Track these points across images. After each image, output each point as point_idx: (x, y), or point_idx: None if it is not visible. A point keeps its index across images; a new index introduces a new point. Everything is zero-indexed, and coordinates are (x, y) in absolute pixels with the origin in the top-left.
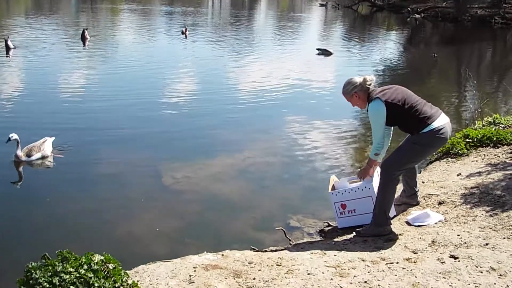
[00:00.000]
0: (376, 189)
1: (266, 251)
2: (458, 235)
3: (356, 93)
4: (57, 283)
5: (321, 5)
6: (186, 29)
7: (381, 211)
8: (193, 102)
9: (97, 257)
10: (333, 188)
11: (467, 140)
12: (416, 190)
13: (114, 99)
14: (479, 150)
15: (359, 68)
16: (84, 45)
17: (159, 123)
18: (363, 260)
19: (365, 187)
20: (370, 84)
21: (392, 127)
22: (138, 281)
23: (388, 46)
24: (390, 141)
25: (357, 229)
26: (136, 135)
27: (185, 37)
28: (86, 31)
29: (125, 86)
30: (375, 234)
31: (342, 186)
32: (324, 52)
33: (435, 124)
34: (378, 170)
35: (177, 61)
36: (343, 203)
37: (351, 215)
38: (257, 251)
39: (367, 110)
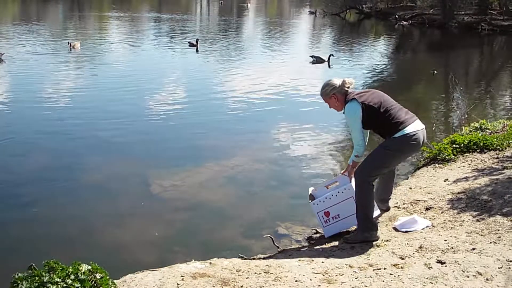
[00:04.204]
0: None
1: (254, 258)
2: (445, 240)
3: (335, 94)
4: None
5: (311, 12)
6: (197, 41)
7: (364, 217)
8: (181, 110)
9: (84, 267)
10: (313, 198)
11: (454, 145)
12: (389, 197)
13: (100, 108)
14: (466, 155)
15: (348, 74)
16: (69, 51)
17: (146, 132)
18: (350, 267)
19: (345, 188)
20: (348, 87)
21: (368, 131)
22: None
23: (376, 53)
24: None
25: (345, 236)
26: (124, 144)
27: (197, 50)
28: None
29: (112, 95)
30: (362, 240)
31: (320, 193)
32: (318, 60)
33: (408, 130)
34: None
35: (167, 69)
36: (326, 211)
37: (336, 221)
38: (245, 258)
39: (343, 112)
